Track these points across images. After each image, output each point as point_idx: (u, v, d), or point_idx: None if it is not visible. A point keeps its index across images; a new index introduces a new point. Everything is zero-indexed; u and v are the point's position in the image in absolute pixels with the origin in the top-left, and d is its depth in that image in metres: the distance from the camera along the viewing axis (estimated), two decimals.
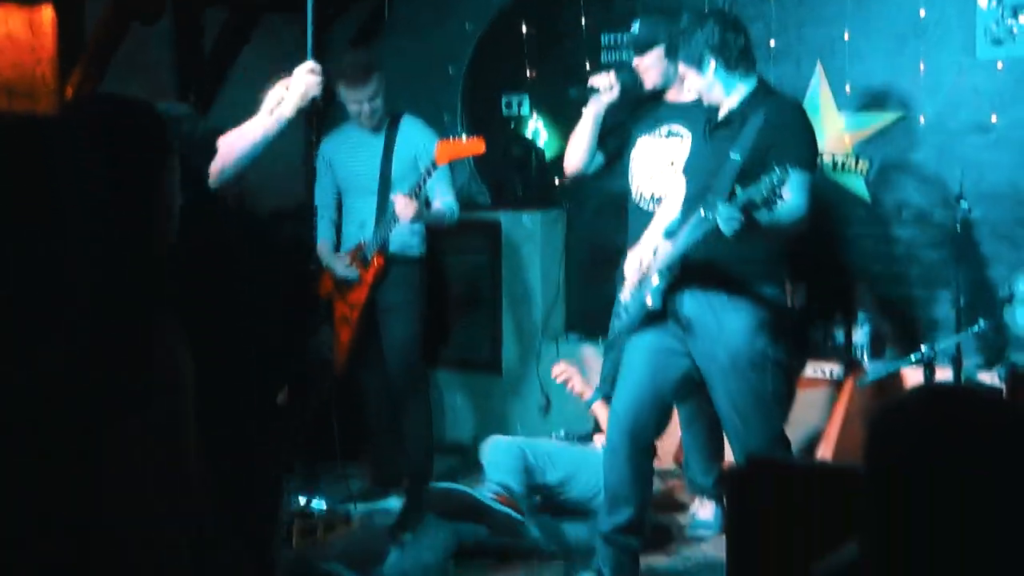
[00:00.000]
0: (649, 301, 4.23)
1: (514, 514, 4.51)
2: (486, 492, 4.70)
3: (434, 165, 5.11)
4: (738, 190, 3.77)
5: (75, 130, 2.04)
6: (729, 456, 5.07)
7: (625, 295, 4.42)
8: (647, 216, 4.79)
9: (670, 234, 4.21)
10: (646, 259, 4.32)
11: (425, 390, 5.60)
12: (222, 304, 2.76)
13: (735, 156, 4.06)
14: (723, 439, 5.06)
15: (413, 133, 5.41)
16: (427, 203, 5.30)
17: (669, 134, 4.99)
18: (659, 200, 4.84)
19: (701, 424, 5.04)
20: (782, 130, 4.08)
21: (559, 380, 5.36)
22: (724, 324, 4.15)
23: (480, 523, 4.53)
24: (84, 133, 2.03)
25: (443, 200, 5.37)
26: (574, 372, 5.35)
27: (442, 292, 6.55)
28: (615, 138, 5.12)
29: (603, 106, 4.97)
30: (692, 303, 4.21)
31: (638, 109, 5.10)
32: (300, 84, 3.77)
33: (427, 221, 5.33)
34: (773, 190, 3.71)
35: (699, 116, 4.47)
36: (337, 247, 5.50)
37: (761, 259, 4.17)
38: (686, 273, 4.17)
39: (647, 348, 4.33)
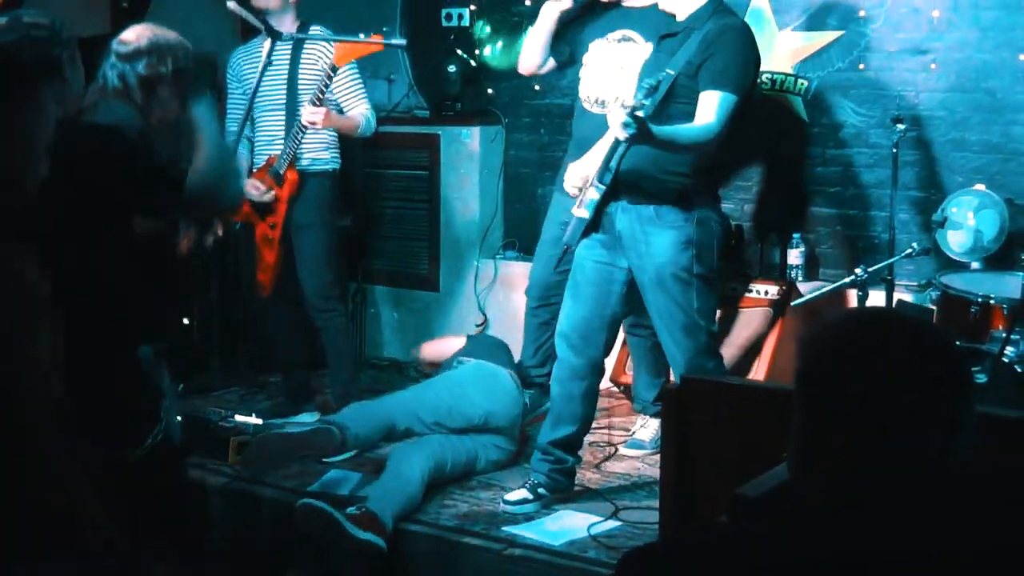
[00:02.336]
0: (584, 213, 4.26)
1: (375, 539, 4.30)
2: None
3: (334, 68, 4.98)
4: (624, 104, 3.80)
5: None
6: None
7: (574, 209, 4.44)
8: (591, 117, 4.92)
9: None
10: (588, 172, 4.34)
11: (340, 308, 5.46)
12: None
13: (670, 70, 4.11)
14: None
15: (319, 47, 5.24)
16: (340, 111, 5.22)
17: (622, 39, 5.00)
18: (603, 103, 4.93)
19: (643, 337, 5.03)
20: (717, 49, 4.10)
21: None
22: (650, 239, 4.22)
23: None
24: None
25: (356, 108, 5.25)
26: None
27: (379, 206, 6.52)
28: (567, 44, 5.13)
29: (561, 8, 4.97)
30: (624, 216, 4.26)
31: (593, 15, 5.09)
32: None
33: (339, 128, 5.21)
34: (647, 93, 3.81)
35: (654, 22, 4.58)
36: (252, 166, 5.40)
37: (688, 173, 4.21)
38: (617, 186, 4.22)
39: (591, 263, 4.37)
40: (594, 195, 4.25)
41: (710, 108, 4.05)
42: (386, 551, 4.15)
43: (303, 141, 5.15)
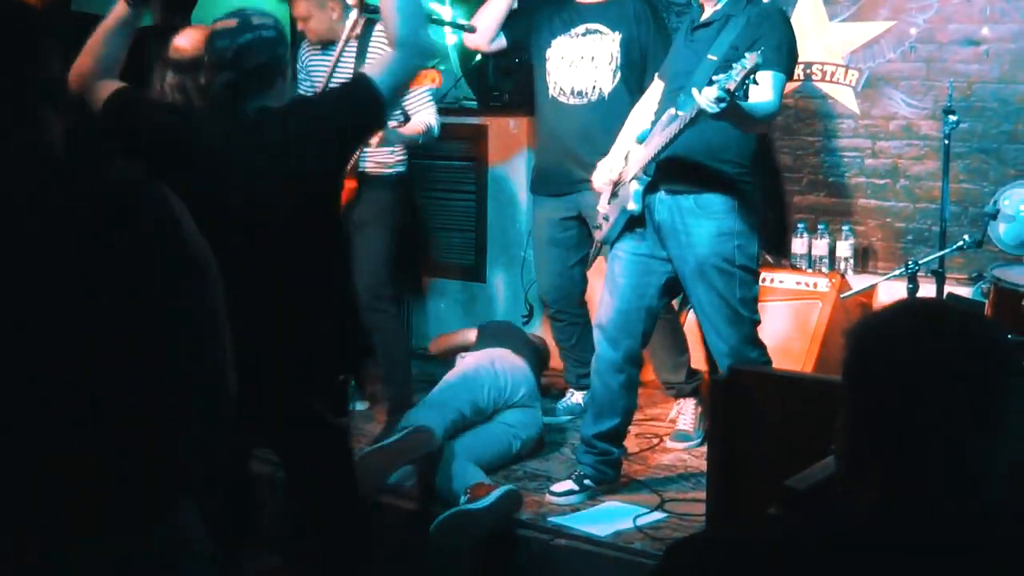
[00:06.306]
0: (631, 205, 4.25)
1: None
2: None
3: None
4: (715, 78, 3.76)
5: None
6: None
7: (603, 205, 4.45)
8: (567, 109, 5.21)
9: (643, 139, 4.25)
10: (616, 167, 4.34)
11: (391, 310, 5.31)
12: None
13: (713, 56, 4.11)
14: (684, 334, 5.18)
15: (383, 43, 4.91)
16: (407, 117, 5.18)
17: (586, 32, 5.20)
18: (579, 93, 5.18)
19: (663, 320, 4.96)
20: (764, 32, 4.10)
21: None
22: (691, 230, 4.22)
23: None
24: None
25: (422, 116, 5.16)
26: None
27: (426, 197, 6.54)
28: (519, 28, 5.35)
29: None
30: (662, 207, 4.26)
31: (544, 13, 5.32)
32: None
33: (397, 143, 5.11)
34: (748, 72, 3.68)
35: (615, 13, 5.08)
36: None
37: (736, 161, 4.21)
38: (658, 175, 4.22)
39: (628, 256, 4.37)
40: (637, 187, 4.25)
41: (766, 87, 4.03)
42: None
43: (366, 147, 4.99)
